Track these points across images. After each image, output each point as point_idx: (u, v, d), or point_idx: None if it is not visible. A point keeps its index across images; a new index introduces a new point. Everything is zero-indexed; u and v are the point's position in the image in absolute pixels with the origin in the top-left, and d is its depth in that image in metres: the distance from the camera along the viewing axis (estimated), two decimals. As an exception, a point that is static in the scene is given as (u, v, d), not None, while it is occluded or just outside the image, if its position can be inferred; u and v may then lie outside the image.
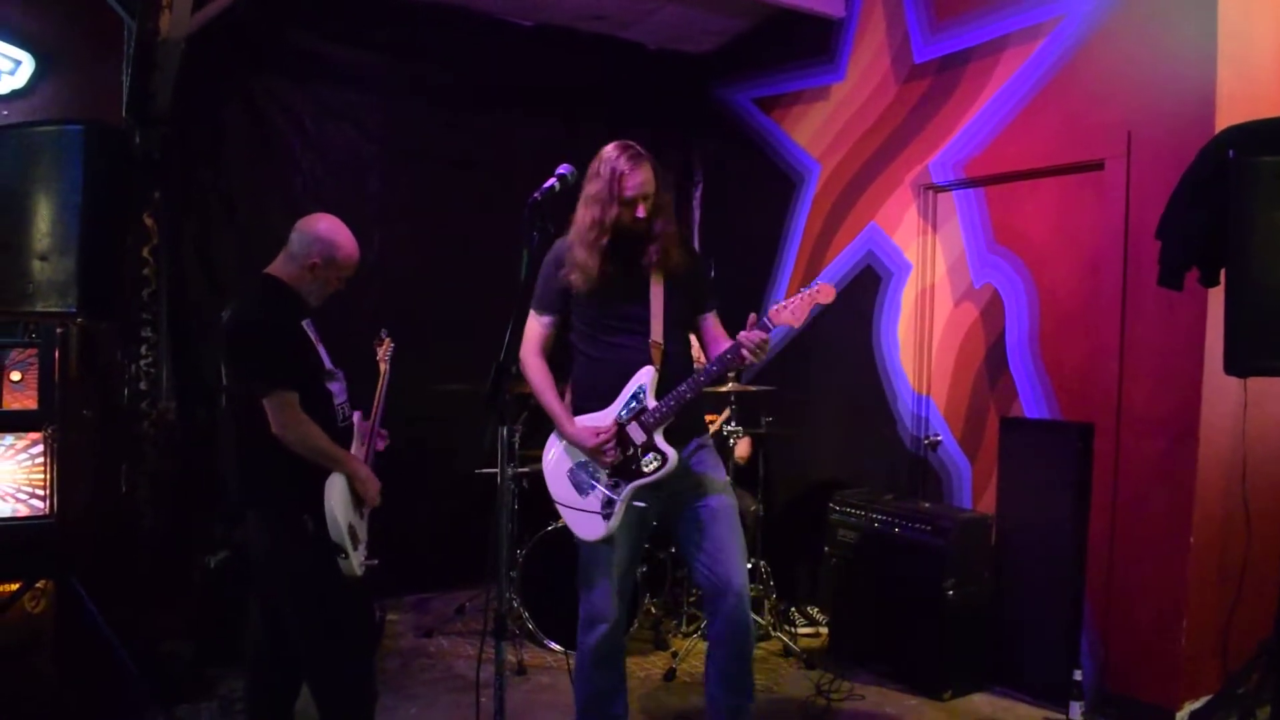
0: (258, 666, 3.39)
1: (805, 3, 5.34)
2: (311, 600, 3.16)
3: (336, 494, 3.12)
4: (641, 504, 3.40)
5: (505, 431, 2.76)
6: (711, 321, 3.54)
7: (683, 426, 3.41)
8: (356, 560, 3.17)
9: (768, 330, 3.13)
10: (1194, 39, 3.95)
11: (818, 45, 5.62)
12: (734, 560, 3.37)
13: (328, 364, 3.26)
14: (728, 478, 3.73)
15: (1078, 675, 4.14)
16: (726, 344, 3.26)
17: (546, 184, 2.91)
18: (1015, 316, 4.69)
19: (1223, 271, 3.46)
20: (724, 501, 3.46)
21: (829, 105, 5.58)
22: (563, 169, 2.95)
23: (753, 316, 3.17)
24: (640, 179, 3.26)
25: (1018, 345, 4.68)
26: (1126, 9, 4.17)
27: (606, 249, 3.28)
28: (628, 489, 3.37)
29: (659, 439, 3.33)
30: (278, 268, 3.24)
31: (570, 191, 2.97)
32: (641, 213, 3.27)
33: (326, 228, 3.23)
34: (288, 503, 3.13)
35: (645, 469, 3.35)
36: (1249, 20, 4.00)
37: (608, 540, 3.42)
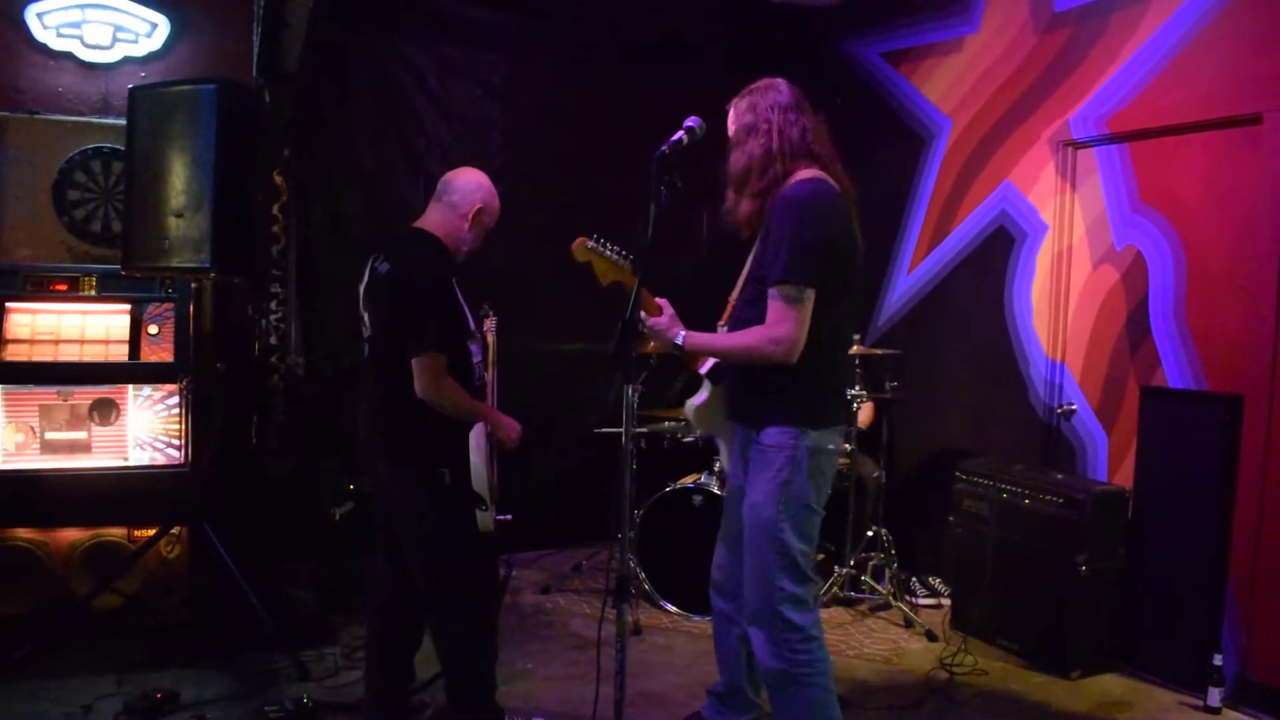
0: (381, 618, 3.44)
1: (937, -50, 5.13)
2: (443, 554, 3.20)
3: (479, 445, 3.16)
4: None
5: (629, 390, 2.71)
6: (769, 298, 2.94)
7: (736, 407, 3.28)
8: (491, 514, 3.21)
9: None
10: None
11: (951, -5, 5.39)
12: (744, 579, 3.17)
13: (471, 324, 3.28)
14: (772, 487, 3.01)
15: (1218, 660, 3.94)
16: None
17: (674, 137, 2.82)
18: (1160, 280, 4.44)
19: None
20: (746, 515, 3.12)
21: (962, 58, 5.34)
22: (691, 121, 2.87)
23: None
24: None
25: (1162, 311, 4.43)
26: (1293, -52, 3.87)
27: None
28: None
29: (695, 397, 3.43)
30: (431, 222, 3.27)
31: (698, 144, 2.88)
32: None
33: (480, 175, 3.35)
34: (427, 456, 3.17)
35: None
36: None
37: None
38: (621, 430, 5.00)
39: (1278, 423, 3.92)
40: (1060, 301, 4.87)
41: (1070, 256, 4.85)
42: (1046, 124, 4.87)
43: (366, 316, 3.27)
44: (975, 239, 5.29)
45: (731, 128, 3.16)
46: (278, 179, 4.60)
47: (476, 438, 3.16)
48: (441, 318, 3.11)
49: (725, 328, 3.29)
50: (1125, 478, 4.52)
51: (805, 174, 3.02)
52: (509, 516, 3.36)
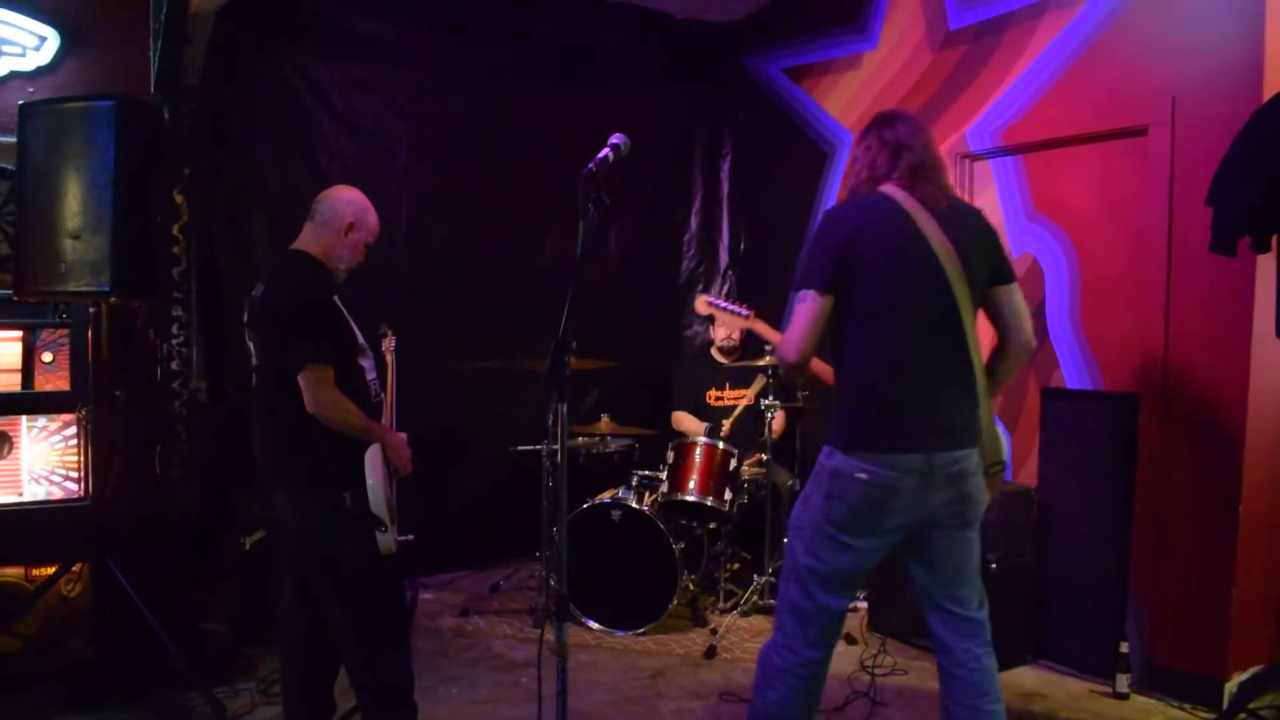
0: (294, 650, 3.35)
1: (835, -30, 5.27)
2: (348, 579, 3.13)
3: (376, 466, 3.10)
4: None
5: (564, 409, 2.70)
6: None
7: None
8: (392, 535, 3.15)
9: None
10: (1241, 1, 3.86)
11: (849, 13, 5.53)
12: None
13: (360, 339, 3.24)
14: (801, 497, 3.07)
15: (1124, 647, 4.11)
16: None
17: (600, 155, 2.82)
18: (1055, 286, 4.63)
19: (1275, 237, 3.42)
20: None
21: (861, 74, 5.50)
22: (615, 139, 2.87)
23: None
24: None
25: (1058, 315, 4.62)
26: (1171, -28, 4.10)
27: None
28: None
29: None
30: (306, 242, 3.25)
31: (623, 161, 2.89)
32: None
33: (352, 192, 3.33)
34: (324, 479, 3.10)
35: None
36: (1299, -19, 3.92)
37: None
38: (538, 448, 5.03)
39: (1171, 418, 4.12)
40: (962, 308, 5.03)
41: (970, 265, 5.01)
42: (944, 137, 5.02)
43: (252, 346, 3.22)
44: (878, 250, 5.43)
45: None
46: (178, 198, 4.46)
47: (373, 458, 3.11)
48: (321, 330, 3.06)
49: None
50: (1029, 476, 4.69)
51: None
52: (410, 537, 3.32)
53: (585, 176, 2.76)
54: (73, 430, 4.09)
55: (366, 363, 3.25)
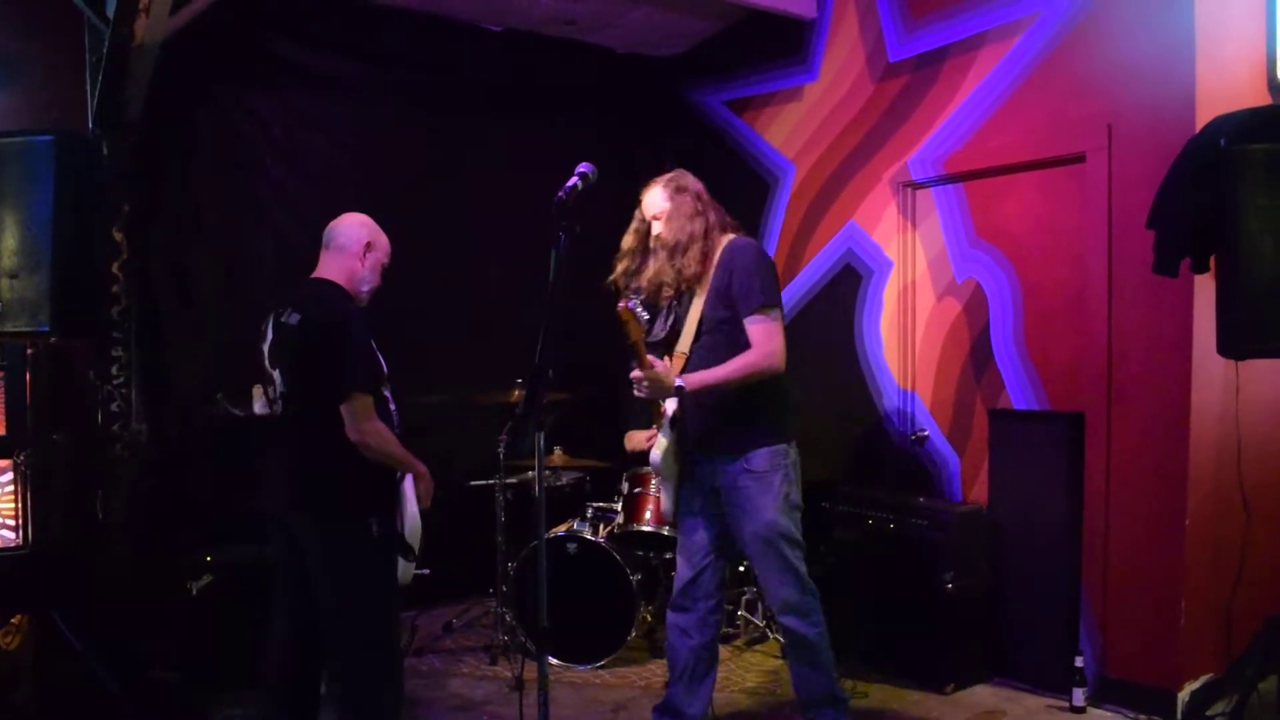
0: (279, 682, 3.32)
1: (776, 3, 5.32)
2: (361, 605, 3.13)
3: (411, 496, 3.18)
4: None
5: (541, 439, 2.68)
6: (749, 326, 3.47)
7: (713, 441, 3.63)
8: (412, 566, 3.17)
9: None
10: (1173, 33, 4.01)
11: (789, 46, 5.61)
12: (768, 586, 3.65)
13: (384, 368, 3.27)
14: (770, 510, 3.50)
15: (1079, 662, 4.18)
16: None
17: (569, 183, 2.84)
18: (999, 310, 4.73)
19: (1212, 258, 3.53)
20: (749, 534, 3.56)
21: (802, 105, 5.58)
22: (583, 168, 2.90)
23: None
24: (646, 199, 3.76)
25: (1003, 338, 4.72)
26: (1104, 4, 4.23)
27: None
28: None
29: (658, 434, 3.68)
30: (328, 270, 3.29)
31: (591, 189, 2.91)
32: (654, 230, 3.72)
33: (360, 215, 3.42)
34: (352, 506, 3.11)
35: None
36: (1226, 14, 4.09)
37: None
38: (490, 482, 4.96)
39: (1116, 435, 4.23)
40: (908, 334, 5.12)
41: (915, 291, 5.11)
42: (886, 166, 5.13)
43: (277, 374, 3.19)
44: (824, 277, 5.50)
45: (660, 205, 3.68)
46: (117, 235, 4.34)
47: (408, 487, 3.17)
48: (363, 359, 3.09)
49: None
50: (979, 496, 4.77)
51: (732, 234, 3.67)
52: (427, 571, 3.32)
53: (556, 204, 2.79)
54: (9, 476, 3.94)
55: (388, 393, 3.28)
